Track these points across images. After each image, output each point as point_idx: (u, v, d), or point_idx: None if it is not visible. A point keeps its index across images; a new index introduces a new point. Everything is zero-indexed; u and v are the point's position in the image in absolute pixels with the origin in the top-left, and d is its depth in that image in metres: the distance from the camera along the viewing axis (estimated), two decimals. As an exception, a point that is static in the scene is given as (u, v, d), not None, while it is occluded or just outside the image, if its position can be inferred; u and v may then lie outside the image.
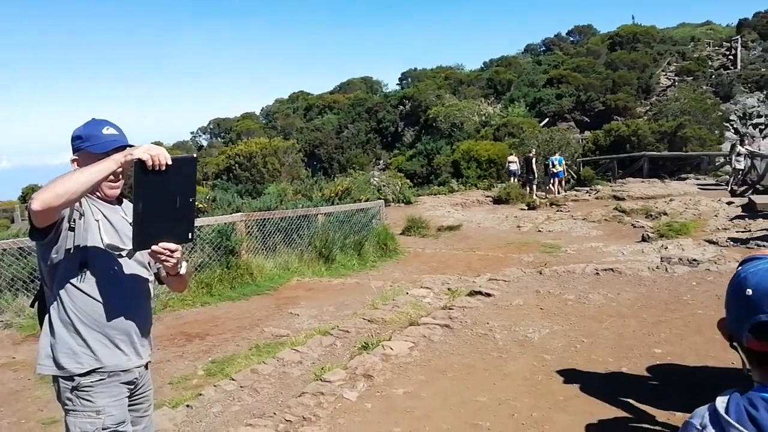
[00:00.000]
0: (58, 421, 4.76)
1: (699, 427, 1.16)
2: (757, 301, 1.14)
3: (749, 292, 1.15)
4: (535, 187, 22.05)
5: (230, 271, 9.14)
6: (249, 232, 9.90)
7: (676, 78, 36.89)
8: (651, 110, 31.86)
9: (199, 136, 55.44)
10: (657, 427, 3.73)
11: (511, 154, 24.54)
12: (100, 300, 2.31)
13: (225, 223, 9.44)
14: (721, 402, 1.16)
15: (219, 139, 51.57)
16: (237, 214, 10.14)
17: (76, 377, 2.29)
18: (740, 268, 1.23)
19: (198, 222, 9.15)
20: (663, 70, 38.72)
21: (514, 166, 23.82)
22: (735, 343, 1.23)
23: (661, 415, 3.82)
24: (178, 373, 5.76)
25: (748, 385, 1.20)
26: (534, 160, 21.87)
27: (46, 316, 2.36)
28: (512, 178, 23.74)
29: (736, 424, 1.10)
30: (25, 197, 34.10)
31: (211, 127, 55.73)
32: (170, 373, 5.78)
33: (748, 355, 1.20)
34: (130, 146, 2.22)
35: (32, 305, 2.65)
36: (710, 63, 38.70)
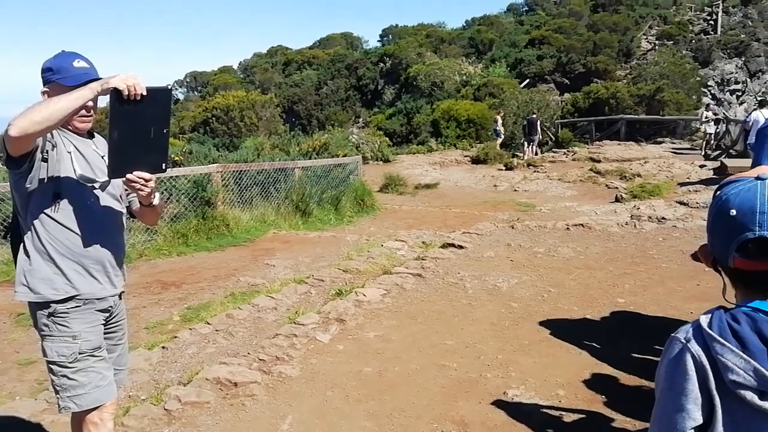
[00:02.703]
0: (34, 362, 4.82)
1: (683, 340, 1.18)
2: (742, 220, 1.16)
3: (733, 212, 1.17)
4: (535, 147, 22.05)
5: (206, 222, 9.15)
6: (225, 184, 9.88)
7: (657, 42, 36.87)
8: (630, 74, 31.93)
9: (176, 89, 54.27)
10: (614, 369, 3.91)
11: (499, 113, 24.37)
12: (74, 230, 2.35)
13: (201, 174, 9.40)
14: (704, 318, 1.18)
15: (195, 93, 50.68)
16: (213, 165, 10.10)
17: (52, 304, 2.34)
18: (719, 192, 1.25)
19: (174, 172, 9.11)
20: (644, 34, 38.66)
21: (499, 127, 23.73)
22: (719, 267, 1.25)
23: (617, 359, 4.00)
24: (153, 319, 5.82)
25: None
26: (538, 122, 21.93)
27: (21, 246, 2.39)
28: (497, 139, 23.66)
29: (718, 337, 1.13)
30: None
31: (188, 80, 54.65)
32: (146, 318, 5.84)
33: (733, 276, 1.23)
34: (99, 78, 2.23)
35: (5, 237, 2.68)
36: (691, 28, 38.68)
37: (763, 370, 1.09)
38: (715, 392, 1.13)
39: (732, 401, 1.12)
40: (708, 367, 1.13)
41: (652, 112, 25.53)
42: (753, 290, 1.20)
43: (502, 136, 23.64)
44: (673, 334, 1.21)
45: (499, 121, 23.62)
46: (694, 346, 1.15)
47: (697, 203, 10.80)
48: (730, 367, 1.11)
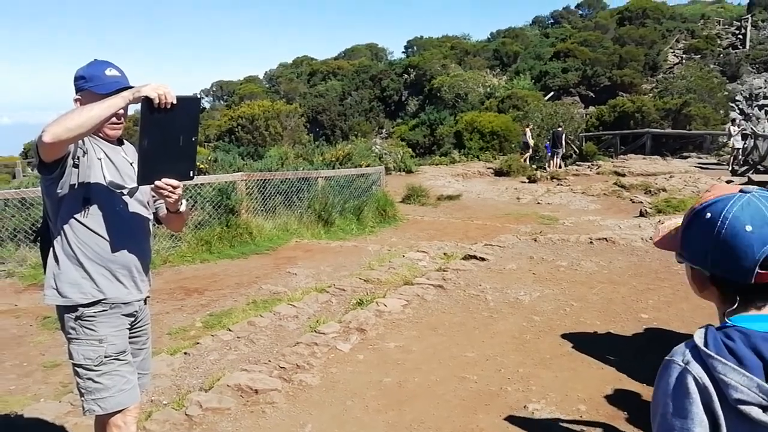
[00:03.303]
0: (59, 365, 4.90)
1: (681, 363, 1.16)
2: (760, 234, 1.14)
3: (749, 228, 1.15)
4: (558, 160, 22.03)
5: (230, 229, 9.24)
6: (249, 192, 9.98)
7: (684, 56, 36.59)
8: (657, 87, 31.68)
9: (202, 98, 55.00)
10: (637, 385, 3.87)
11: (528, 126, 24.18)
12: (103, 235, 2.40)
13: (226, 182, 9.50)
14: (699, 338, 1.18)
15: (221, 102, 51.27)
16: (238, 173, 10.21)
17: (79, 307, 2.39)
18: (710, 214, 1.21)
19: (199, 180, 9.22)
20: (671, 48, 38.37)
21: (528, 139, 23.42)
22: (716, 287, 1.24)
23: (640, 375, 3.95)
24: (176, 325, 5.88)
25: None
26: (563, 135, 21.92)
27: (50, 249, 2.44)
28: (527, 151, 23.35)
29: (718, 357, 1.13)
30: (27, 153, 33.97)
31: (214, 89, 55.35)
32: (168, 324, 5.90)
33: (739, 292, 1.21)
34: (131, 87, 2.27)
35: (35, 241, 2.74)
36: (719, 42, 38.32)
37: (762, 383, 1.10)
38: (720, 413, 1.12)
39: (733, 419, 1.12)
40: (711, 388, 1.12)
41: (678, 127, 25.28)
42: (735, 305, 1.21)
43: (530, 149, 23.38)
44: (668, 358, 1.19)
45: (528, 133, 23.39)
46: (695, 368, 1.14)
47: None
48: (733, 385, 1.11)
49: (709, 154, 23.55)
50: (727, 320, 1.21)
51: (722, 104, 27.75)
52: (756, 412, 1.10)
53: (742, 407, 1.10)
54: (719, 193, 1.23)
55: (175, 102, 2.17)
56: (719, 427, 1.13)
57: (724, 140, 22.68)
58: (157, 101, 2.13)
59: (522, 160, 22.54)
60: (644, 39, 37.00)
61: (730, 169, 18.62)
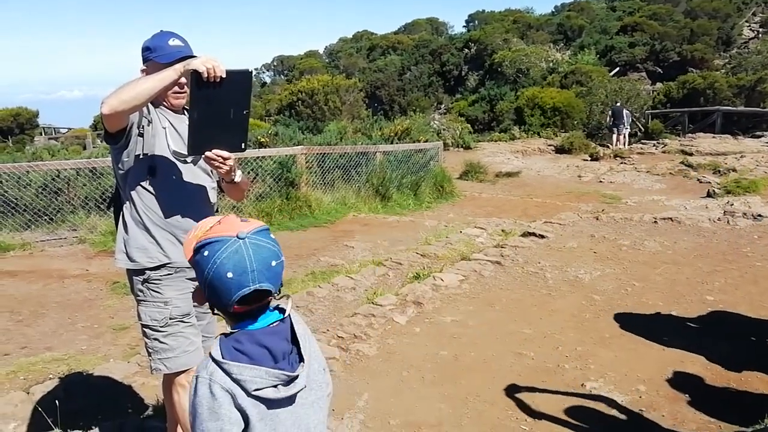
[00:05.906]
0: (127, 328, 5.12)
1: (207, 377, 1.39)
2: (239, 281, 1.36)
3: (230, 275, 1.36)
4: (622, 137, 21.12)
5: (289, 202, 9.40)
6: (309, 166, 10.09)
7: (761, 30, 34.76)
8: (730, 63, 30.25)
9: (263, 72, 55.60)
10: (700, 368, 3.77)
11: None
12: (167, 201, 2.49)
13: (286, 156, 9.64)
14: (215, 350, 1.41)
15: (282, 77, 51.69)
16: (298, 147, 10.32)
17: (146, 271, 2.49)
18: (207, 253, 1.39)
19: (260, 153, 9.39)
20: (747, 21, 36.51)
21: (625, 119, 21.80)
22: (218, 310, 1.46)
23: (703, 359, 3.85)
24: (237, 293, 6.03)
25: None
26: (624, 110, 21.08)
27: (120, 215, 2.55)
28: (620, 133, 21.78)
29: (231, 362, 1.38)
30: (96, 125, 35.11)
31: (275, 64, 55.78)
32: (230, 292, 6.06)
33: (229, 315, 1.45)
34: (194, 57, 2.31)
35: (108, 207, 2.85)
36: (800, 15, 36.26)
37: (268, 369, 1.40)
38: (245, 404, 1.38)
39: (258, 405, 1.40)
40: (234, 388, 1.37)
41: (752, 104, 24.10)
42: (243, 319, 1.46)
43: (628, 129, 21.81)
44: (195, 374, 1.42)
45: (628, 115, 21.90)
46: (219, 377, 1.38)
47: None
48: (248, 380, 1.38)
49: (786, 133, 22.42)
50: (234, 327, 1.46)
51: (801, 81, 26.29)
52: (270, 392, 1.40)
53: (259, 392, 1.38)
54: (223, 232, 1.40)
55: (224, 75, 2.17)
56: (248, 417, 1.39)
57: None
58: (205, 75, 2.14)
59: (616, 145, 21.18)
60: (718, 12, 35.29)
61: (807, 149, 17.69)
